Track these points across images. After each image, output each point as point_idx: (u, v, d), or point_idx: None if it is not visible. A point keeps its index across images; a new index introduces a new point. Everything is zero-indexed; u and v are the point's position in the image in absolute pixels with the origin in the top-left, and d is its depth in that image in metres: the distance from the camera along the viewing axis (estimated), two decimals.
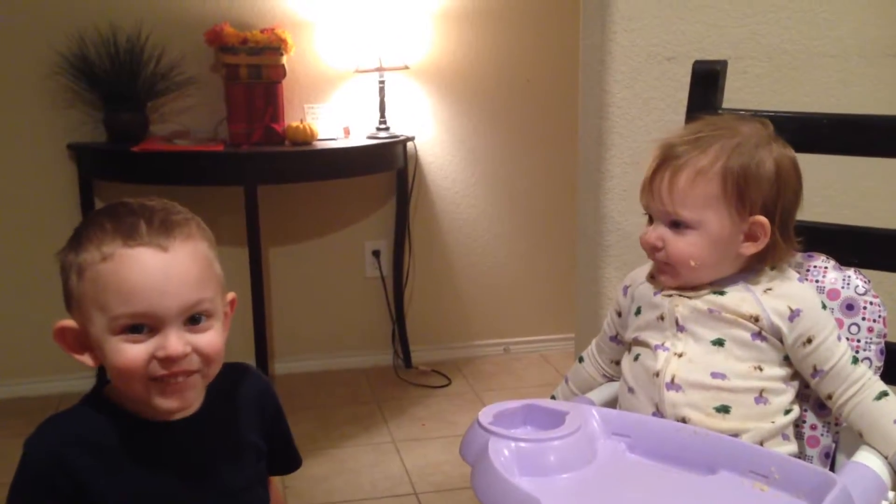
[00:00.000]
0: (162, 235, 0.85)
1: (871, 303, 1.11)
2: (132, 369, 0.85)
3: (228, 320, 0.96)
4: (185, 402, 0.89)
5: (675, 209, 1.06)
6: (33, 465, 0.88)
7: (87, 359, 0.89)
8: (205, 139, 2.63)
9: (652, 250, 1.10)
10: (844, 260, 1.15)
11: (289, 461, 1.08)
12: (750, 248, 1.07)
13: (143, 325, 0.85)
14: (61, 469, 0.87)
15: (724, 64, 1.32)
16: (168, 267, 0.85)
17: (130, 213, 0.87)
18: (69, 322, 0.89)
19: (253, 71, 2.57)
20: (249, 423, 0.99)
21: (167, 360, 0.84)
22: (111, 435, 0.90)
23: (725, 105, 1.31)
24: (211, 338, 0.88)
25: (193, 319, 0.87)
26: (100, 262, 0.84)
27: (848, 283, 1.12)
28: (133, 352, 0.84)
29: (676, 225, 1.07)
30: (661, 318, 1.10)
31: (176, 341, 0.84)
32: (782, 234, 1.08)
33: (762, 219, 1.06)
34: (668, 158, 1.07)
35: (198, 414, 0.93)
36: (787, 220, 1.09)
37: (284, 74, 2.62)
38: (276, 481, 1.12)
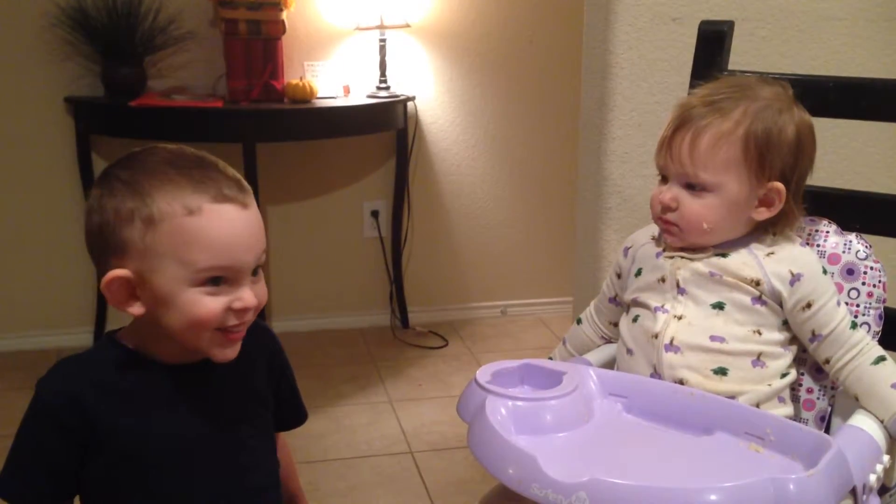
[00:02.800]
0: (240, 192, 0.88)
1: (871, 268, 1.10)
2: (209, 320, 0.87)
3: None
4: (236, 352, 0.92)
5: (694, 171, 1.05)
6: (45, 404, 0.89)
7: (136, 308, 0.88)
8: (203, 95, 2.61)
9: (664, 210, 1.08)
10: (846, 225, 1.15)
11: (296, 414, 1.09)
12: (763, 214, 1.07)
13: (221, 278, 0.87)
14: (74, 407, 0.88)
15: (730, 25, 1.30)
16: (249, 223, 0.88)
17: (193, 163, 0.88)
18: (122, 272, 0.86)
19: (252, 27, 2.54)
20: (258, 373, 1.00)
21: (243, 311, 0.88)
22: (125, 377, 0.91)
23: (731, 67, 1.29)
24: (263, 288, 0.92)
25: (254, 272, 0.90)
26: (184, 216, 0.85)
27: (849, 248, 1.12)
28: (213, 304, 0.86)
29: (692, 187, 1.06)
30: (663, 280, 1.10)
31: (250, 293, 0.88)
32: (795, 201, 1.07)
33: (779, 185, 1.05)
34: (688, 120, 1.06)
35: (208, 360, 0.93)
36: (801, 187, 1.08)
37: (284, 31, 2.59)
38: (285, 440, 1.12)
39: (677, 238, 1.09)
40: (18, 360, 2.66)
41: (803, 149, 1.07)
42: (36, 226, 2.67)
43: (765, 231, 1.09)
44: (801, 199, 1.10)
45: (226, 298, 0.87)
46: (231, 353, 0.91)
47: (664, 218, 1.09)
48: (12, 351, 2.72)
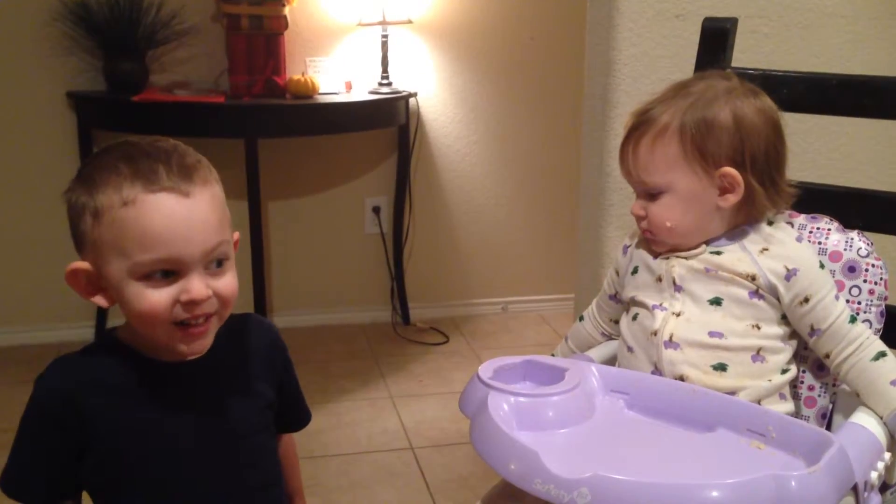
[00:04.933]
0: (183, 180, 0.84)
1: (872, 265, 1.10)
2: (156, 314, 0.85)
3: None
4: (203, 347, 0.90)
5: (642, 178, 1.09)
6: (42, 401, 0.89)
7: (99, 300, 0.89)
8: (205, 90, 2.61)
9: (638, 221, 1.12)
10: (848, 222, 1.15)
11: (299, 415, 1.09)
12: (730, 200, 1.07)
13: (166, 271, 0.84)
14: (70, 406, 0.88)
15: (733, 22, 1.30)
16: (191, 213, 0.84)
17: (145, 155, 0.86)
18: (82, 264, 0.88)
19: (254, 22, 2.54)
20: (258, 370, 0.99)
21: (191, 304, 0.85)
22: (121, 374, 0.90)
23: (734, 64, 1.29)
24: (229, 280, 0.89)
25: (213, 263, 0.87)
26: (120, 207, 0.83)
27: (850, 246, 1.11)
28: (156, 297, 0.84)
29: (650, 193, 1.09)
30: (659, 279, 1.11)
31: (199, 285, 0.85)
32: (762, 183, 1.06)
33: (729, 170, 1.05)
34: (629, 132, 1.10)
35: (207, 357, 0.93)
36: (765, 169, 1.07)
37: (286, 26, 2.59)
38: (292, 438, 1.11)
39: (657, 244, 1.12)
40: (20, 354, 2.66)
41: (748, 130, 1.06)
42: (38, 220, 2.67)
43: (755, 224, 1.09)
44: (776, 181, 1.08)
45: (172, 291, 0.84)
46: (198, 347, 0.89)
47: (641, 227, 1.13)
48: (14, 345, 2.73)
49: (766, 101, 1.09)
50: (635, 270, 1.15)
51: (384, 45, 2.71)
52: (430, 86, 2.90)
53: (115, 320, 0.90)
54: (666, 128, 1.06)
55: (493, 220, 3.09)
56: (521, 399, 0.95)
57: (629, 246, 1.19)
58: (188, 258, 0.84)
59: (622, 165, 1.12)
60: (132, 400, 0.90)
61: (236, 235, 0.96)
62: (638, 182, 1.10)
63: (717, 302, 1.06)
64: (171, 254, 0.83)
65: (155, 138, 0.90)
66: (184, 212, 0.84)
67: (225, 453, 0.94)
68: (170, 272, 0.85)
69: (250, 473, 0.97)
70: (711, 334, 1.05)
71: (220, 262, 0.88)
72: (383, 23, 2.67)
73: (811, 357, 1.12)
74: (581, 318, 1.30)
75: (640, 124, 1.09)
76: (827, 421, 1.12)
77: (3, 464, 0.91)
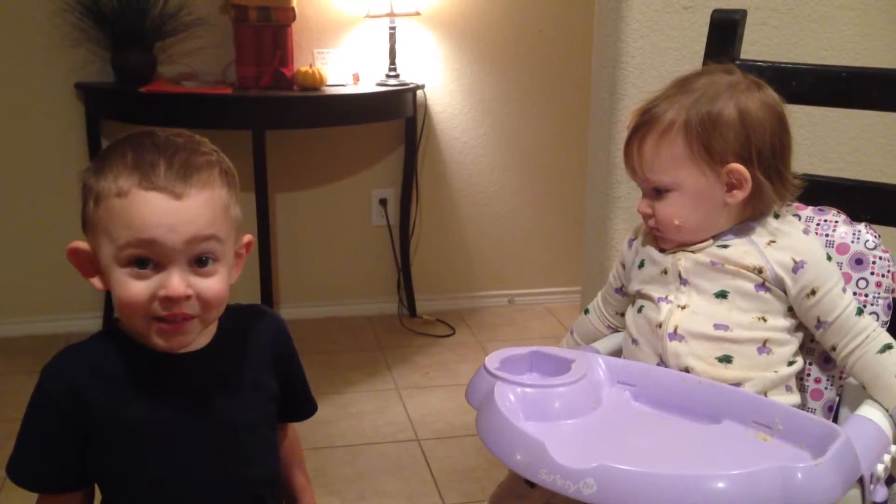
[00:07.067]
0: (179, 181, 0.84)
1: (880, 258, 1.10)
2: (134, 304, 0.85)
3: (242, 261, 0.96)
4: (180, 343, 0.89)
5: (646, 176, 1.09)
6: (48, 392, 0.90)
7: (96, 282, 0.90)
8: (213, 82, 2.61)
9: (645, 218, 1.12)
10: (856, 215, 1.15)
11: (304, 406, 1.08)
12: (737, 196, 1.06)
13: (148, 260, 0.85)
14: (75, 397, 0.88)
15: (743, 14, 1.29)
16: (179, 213, 0.84)
17: (154, 148, 0.86)
18: (82, 244, 0.89)
19: (262, 13, 2.53)
20: (261, 363, 0.99)
21: (167, 300, 0.84)
22: (124, 365, 0.91)
23: (743, 56, 1.29)
24: (214, 283, 0.87)
25: (200, 261, 0.86)
26: (114, 196, 0.84)
27: (858, 238, 1.11)
28: (136, 287, 0.85)
29: (657, 191, 1.09)
30: (665, 272, 1.11)
31: (178, 281, 0.84)
32: (769, 177, 1.06)
33: (736, 166, 1.05)
34: (633, 131, 1.10)
35: (207, 349, 0.93)
36: (773, 163, 1.07)
37: (294, 17, 2.59)
38: (294, 430, 1.11)
39: (665, 241, 1.12)
40: (28, 344, 2.67)
41: (753, 125, 1.05)
42: (45, 211, 2.68)
43: (762, 217, 1.09)
44: (783, 174, 1.08)
45: (152, 284, 0.85)
46: (175, 343, 0.88)
47: (648, 224, 1.12)
48: (22, 335, 2.74)
49: (770, 94, 1.08)
50: (641, 264, 1.15)
51: (392, 36, 2.71)
52: (438, 78, 2.89)
53: None
54: (671, 126, 1.05)
55: (499, 213, 3.08)
56: (528, 390, 0.96)
57: (634, 240, 1.19)
58: (170, 248, 0.84)
59: (627, 164, 1.12)
60: (133, 390, 0.90)
61: (247, 238, 0.96)
62: (644, 181, 1.10)
63: (722, 295, 1.06)
64: (151, 240, 0.83)
65: (177, 131, 0.90)
66: (171, 210, 0.84)
67: (223, 446, 0.94)
68: (147, 260, 0.84)
69: (246, 468, 0.96)
70: (717, 327, 1.05)
71: (206, 261, 0.87)
72: (391, 14, 2.67)
73: (818, 349, 1.12)
74: (586, 311, 1.30)
75: (644, 123, 1.08)
76: (833, 413, 1.12)
77: (10, 452, 0.92)
